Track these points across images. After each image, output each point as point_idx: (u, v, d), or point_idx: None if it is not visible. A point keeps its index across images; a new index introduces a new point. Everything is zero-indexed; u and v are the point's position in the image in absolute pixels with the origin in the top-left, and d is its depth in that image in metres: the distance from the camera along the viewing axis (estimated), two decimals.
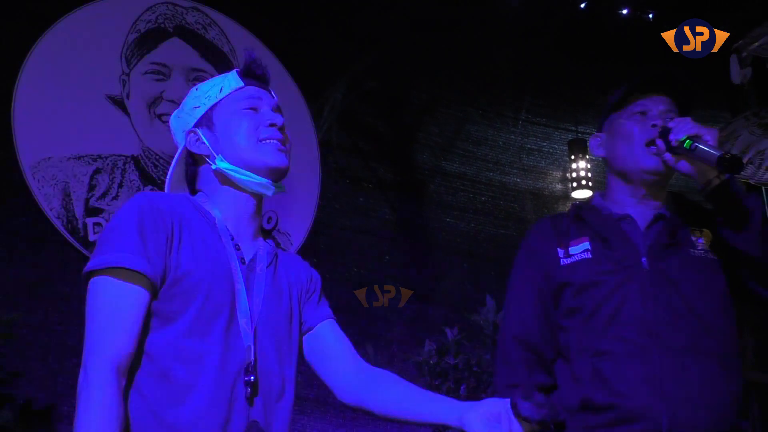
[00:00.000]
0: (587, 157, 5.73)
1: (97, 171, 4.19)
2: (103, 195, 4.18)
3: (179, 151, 2.05)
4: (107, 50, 4.37)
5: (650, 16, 5.85)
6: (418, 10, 5.30)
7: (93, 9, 4.38)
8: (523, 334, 2.29)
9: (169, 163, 4.31)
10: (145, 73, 4.47)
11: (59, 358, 3.83)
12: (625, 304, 2.17)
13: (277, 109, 2.04)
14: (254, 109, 2.00)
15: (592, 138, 2.46)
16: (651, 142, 2.26)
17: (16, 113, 4.00)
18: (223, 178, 1.97)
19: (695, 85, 2.36)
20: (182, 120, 2.05)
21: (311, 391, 4.37)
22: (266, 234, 2.09)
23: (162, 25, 4.57)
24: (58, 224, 4.00)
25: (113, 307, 1.73)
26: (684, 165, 2.19)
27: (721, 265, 2.25)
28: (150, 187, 4.29)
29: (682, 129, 2.16)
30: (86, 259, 3.99)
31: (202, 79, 4.54)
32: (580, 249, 2.28)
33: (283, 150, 1.97)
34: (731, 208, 2.15)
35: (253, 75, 2.05)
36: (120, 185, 4.24)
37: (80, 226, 4.06)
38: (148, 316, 1.78)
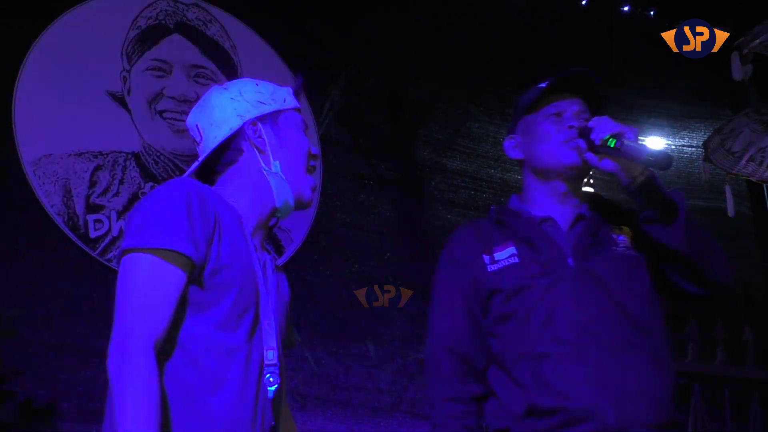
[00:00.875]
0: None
1: (97, 168, 4.19)
2: (104, 192, 4.18)
3: (230, 132, 2.00)
4: (108, 47, 4.36)
5: (651, 12, 5.85)
6: (418, 7, 5.30)
7: (94, 5, 4.37)
8: (454, 344, 2.28)
9: (171, 160, 4.32)
10: (146, 69, 4.46)
11: (60, 356, 3.83)
12: (557, 305, 2.17)
13: None
14: (305, 133, 2.09)
15: (507, 140, 2.47)
16: (569, 142, 2.27)
17: (17, 110, 4.00)
18: (258, 182, 1.98)
19: (605, 86, 2.39)
20: (239, 104, 2.02)
21: (312, 388, 4.38)
22: (270, 239, 2.11)
23: (163, 22, 4.57)
24: (59, 221, 4.00)
25: (155, 288, 1.72)
26: (607, 163, 2.19)
27: (644, 261, 2.27)
28: (151, 184, 4.28)
29: (605, 128, 2.17)
30: (87, 255, 4.01)
31: (203, 76, 4.58)
32: (507, 254, 2.27)
33: (315, 190, 2.08)
34: (657, 204, 2.16)
35: (298, 99, 2.12)
36: (121, 182, 4.24)
37: (81, 223, 4.06)
38: (183, 303, 1.77)
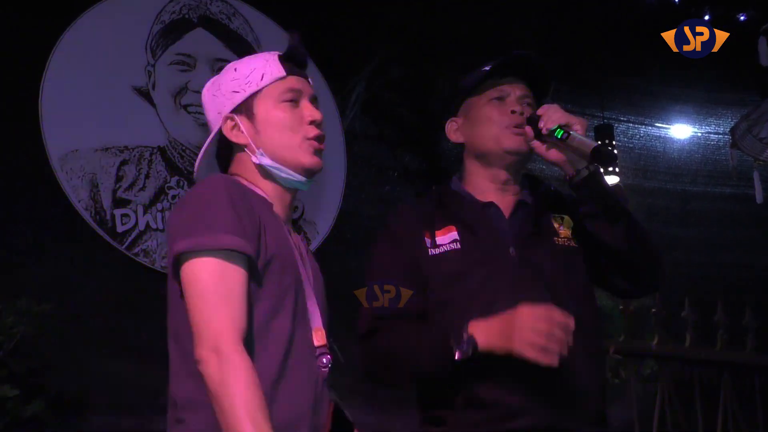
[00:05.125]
0: (614, 143, 5.68)
1: (123, 162, 4.22)
2: (131, 186, 4.20)
3: (213, 132, 2.02)
4: (132, 42, 4.39)
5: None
6: None
7: (118, 0, 4.39)
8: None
9: (196, 154, 4.33)
10: (170, 64, 4.48)
11: (89, 349, 3.86)
12: (498, 295, 2.12)
13: (314, 99, 2.05)
14: (295, 102, 2.00)
15: (449, 123, 2.41)
16: (510, 127, 2.24)
17: (44, 106, 4.03)
18: (262, 169, 1.97)
19: (551, 71, 2.36)
20: (218, 101, 2.01)
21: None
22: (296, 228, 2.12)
23: (186, 16, 4.58)
24: (86, 216, 4.03)
25: (229, 288, 1.73)
26: (554, 153, 2.17)
27: (583, 253, 2.24)
28: (177, 178, 4.30)
29: (553, 117, 2.14)
30: (114, 249, 4.04)
31: None
32: (449, 239, 2.22)
33: (319, 150, 1.98)
34: (599, 199, 2.14)
35: (294, 61, 2.06)
36: (147, 176, 4.26)
37: (108, 217, 4.09)
38: None
